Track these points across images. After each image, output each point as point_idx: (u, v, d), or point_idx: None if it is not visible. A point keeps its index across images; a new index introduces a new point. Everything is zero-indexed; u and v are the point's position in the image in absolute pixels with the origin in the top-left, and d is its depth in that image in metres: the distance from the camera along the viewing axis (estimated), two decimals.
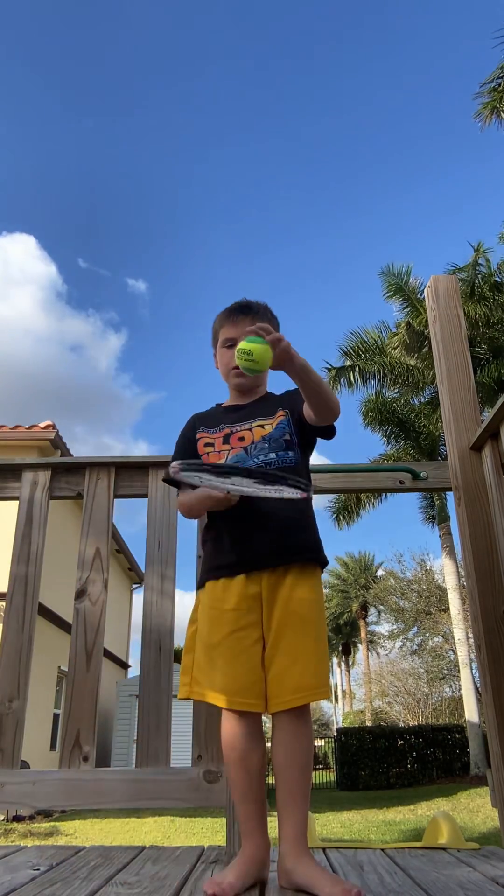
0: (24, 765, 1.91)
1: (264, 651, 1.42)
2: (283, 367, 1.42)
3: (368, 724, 24.58)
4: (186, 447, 1.67)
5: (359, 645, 37.71)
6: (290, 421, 1.60)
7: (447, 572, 16.07)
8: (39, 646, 2.21)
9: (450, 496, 2.43)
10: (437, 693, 22.58)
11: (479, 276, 15.41)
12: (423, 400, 16.40)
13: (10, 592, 2.04)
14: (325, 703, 49.01)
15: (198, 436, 1.65)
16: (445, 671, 21.04)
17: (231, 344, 1.64)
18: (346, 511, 17.02)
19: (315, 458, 1.81)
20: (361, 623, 35.49)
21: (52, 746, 12.62)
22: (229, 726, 1.42)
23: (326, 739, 28.53)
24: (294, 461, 1.55)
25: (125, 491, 2.17)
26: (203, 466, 1.41)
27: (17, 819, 9.27)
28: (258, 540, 1.47)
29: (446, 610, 18.21)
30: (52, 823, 8.92)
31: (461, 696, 16.56)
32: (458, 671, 16.61)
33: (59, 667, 12.58)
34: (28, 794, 1.80)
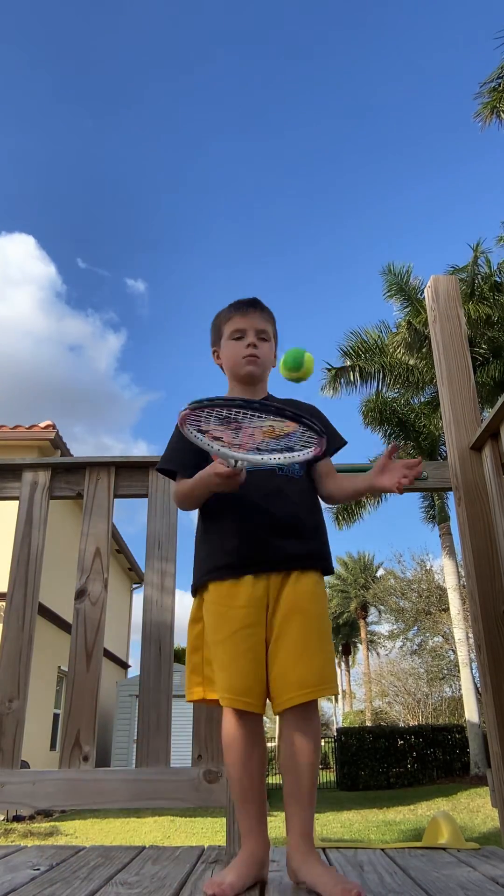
0: (24, 765, 1.91)
1: (268, 652, 1.40)
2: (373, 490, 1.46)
3: (368, 724, 24.59)
4: (186, 444, 1.61)
5: (359, 645, 37.73)
6: None
7: (447, 572, 16.07)
8: (39, 646, 2.21)
9: (450, 496, 2.43)
10: (437, 693, 22.59)
11: (479, 276, 15.41)
12: (423, 400, 16.40)
13: (10, 592, 2.04)
14: (325, 703, 49.02)
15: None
16: (445, 671, 21.04)
17: (240, 336, 1.62)
18: (347, 511, 17.01)
19: None
20: (361, 623, 35.49)
21: (52, 746, 12.62)
22: (230, 726, 1.40)
23: (326, 739, 28.52)
24: (298, 474, 1.54)
25: (125, 491, 2.17)
26: (228, 401, 1.29)
27: (17, 819, 9.27)
28: (268, 544, 1.44)
29: (446, 610, 18.21)
30: (52, 823, 8.92)
31: (461, 696, 16.57)
32: (458, 671, 16.61)
33: (59, 667, 12.58)
34: (28, 794, 1.80)
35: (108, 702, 14.96)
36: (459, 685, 17.16)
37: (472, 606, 1.97)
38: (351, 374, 16.18)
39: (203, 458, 1.49)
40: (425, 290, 2.46)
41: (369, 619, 35.17)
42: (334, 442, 1.65)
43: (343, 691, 40.34)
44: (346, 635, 38.06)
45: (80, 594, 2.02)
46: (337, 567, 36.66)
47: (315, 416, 1.61)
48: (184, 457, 1.56)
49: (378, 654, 30.80)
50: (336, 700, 40.84)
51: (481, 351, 14.98)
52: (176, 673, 2.05)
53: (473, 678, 15.00)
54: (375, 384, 16.29)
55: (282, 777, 1.40)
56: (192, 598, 1.56)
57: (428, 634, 21.65)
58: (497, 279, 15.53)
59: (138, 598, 19.05)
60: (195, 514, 1.61)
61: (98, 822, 9.08)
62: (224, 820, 1.74)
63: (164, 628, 1.98)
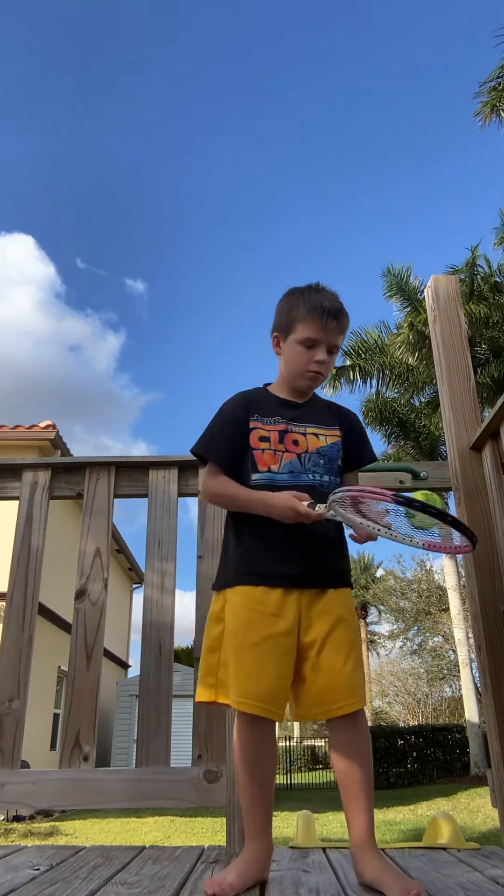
0: (24, 765, 1.91)
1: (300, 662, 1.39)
2: None
3: (368, 724, 24.55)
4: (232, 433, 1.51)
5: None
6: (341, 446, 1.54)
7: (447, 572, 16.08)
8: (39, 646, 2.21)
9: (450, 496, 2.43)
10: (437, 693, 22.60)
11: (479, 276, 15.42)
12: (423, 400, 16.41)
13: (10, 592, 2.04)
14: None
15: (252, 424, 1.50)
16: (445, 671, 21.05)
17: (311, 345, 1.50)
18: None
19: None
20: (361, 623, 35.50)
21: (52, 746, 12.62)
22: (247, 732, 1.38)
23: (326, 739, 28.50)
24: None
25: (125, 491, 2.17)
26: (434, 512, 1.21)
27: (17, 819, 9.27)
28: (311, 559, 1.43)
29: (446, 610, 18.22)
30: (52, 823, 8.92)
31: (461, 696, 16.57)
32: (458, 671, 16.61)
33: (59, 667, 12.58)
34: (28, 794, 1.80)
35: (108, 702, 14.96)
36: (459, 685, 17.17)
37: (472, 606, 1.97)
38: (351, 373, 16.19)
39: (240, 448, 1.48)
40: (425, 290, 2.46)
41: (369, 619, 35.17)
42: (366, 455, 1.61)
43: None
44: None
45: (80, 594, 2.02)
46: None
47: (354, 424, 1.61)
48: (224, 445, 1.50)
49: (378, 654, 30.79)
50: None
51: (481, 351, 14.98)
52: (176, 673, 2.05)
53: (473, 678, 15.00)
54: (375, 384, 16.31)
55: (339, 783, 1.38)
56: (214, 595, 1.51)
57: (428, 634, 21.67)
58: (497, 279, 15.54)
59: (138, 598, 19.07)
60: (193, 511, 1.61)
61: (98, 822, 9.07)
62: (224, 820, 1.74)
63: (164, 628, 1.98)
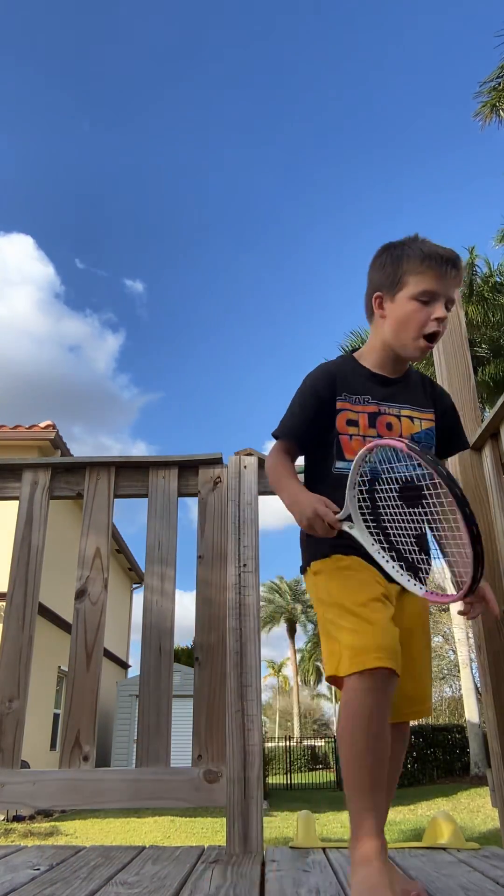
0: (24, 765, 1.90)
1: None
2: None
3: None
4: (312, 415, 1.33)
5: None
6: (434, 433, 1.37)
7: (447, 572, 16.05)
8: (39, 646, 2.21)
9: None
10: (437, 693, 22.60)
11: (479, 277, 15.42)
12: None
13: (10, 592, 2.04)
14: (325, 703, 49.10)
15: (339, 405, 1.32)
16: (445, 671, 21.05)
17: (429, 299, 1.28)
18: None
19: None
20: None
21: (52, 746, 12.62)
22: (370, 693, 1.11)
23: (326, 739, 28.51)
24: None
25: (125, 491, 2.17)
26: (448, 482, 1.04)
27: (17, 819, 9.27)
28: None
29: (446, 610, 18.21)
30: (52, 823, 8.92)
31: (461, 696, 16.57)
32: (458, 671, 16.61)
33: (59, 667, 12.58)
34: (28, 794, 1.80)
35: (108, 702, 14.96)
36: (459, 685, 17.16)
37: None
38: None
39: (322, 430, 1.32)
40: None
41: None
42: (461, 443, 1.45)
43: None
44: None
45: (80, 594, 2.02)
46: None
47: (448, 407, 1.43)
48: (299, 426, 1.35)
49: None
50: (336, 700, 40.82)
51: (481, 351, 14.98)
52: (176, 673, 2.05)
53: (473, 678, 15.00)
54: None
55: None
56: (307, 576, 1.37)
57: None
58: (498, 279, 15.54)
59: (138, 598, 19.06)
60: (193, 511, 1.56)
61: (98, 822, 9.07)
62: (224, 820, 1.74)
63: (164, 628, 1.98)
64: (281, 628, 40.69)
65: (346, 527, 1.21)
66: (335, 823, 9.06)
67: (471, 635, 13.18)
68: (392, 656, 1.12)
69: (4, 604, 2.05)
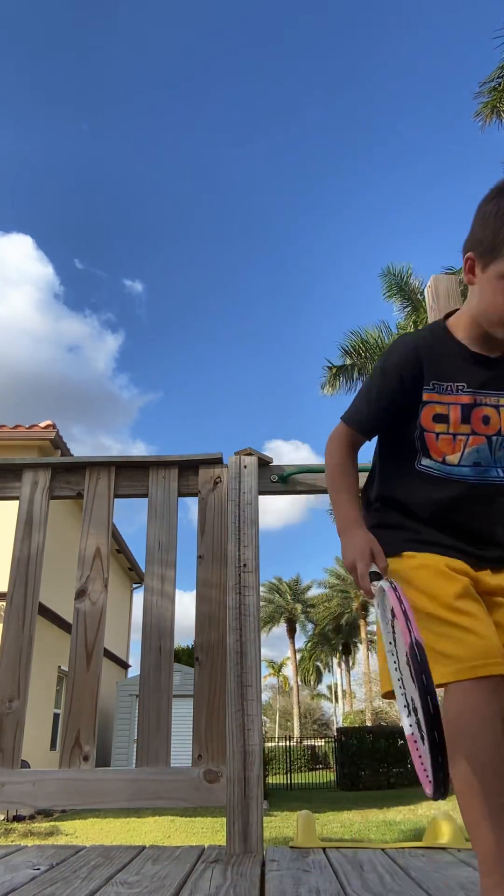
0: (25, 765, 1.91)
1: None
2: None
3: (368, 723, 24.60)
4: (389, 406, 1.14)
5: (359, 645, 37.74)
6: None
7: None
8: (39, 646, 2.21)
9: None
10: (439, 693, 22.56)
11: None
12: None
13: (10, 592, 2.04)
14: (325, 703, 49.13)
15: (426, 396, 1.11)
16: None
17: None
18: None
19: (315, 459, 1.72)
20: (362, 623, 35.50)
21: (52, 746, 12.62)
22: (479, 704, 0.95)
23: (326, 739, 28.51)
24: None
25: (125, 491, 2.17)
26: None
27: (17, 819, 9.27)
28: (489, 541, 1.13)
29: None
30: (52, 823, 8.92)
31: None
32: None
33: (59, 667, 12.58)
34: (28, 793, 1.80)
35: (108, 702, 14.96)
36: None
37: None
38: (351, 373, 16.22)
39: (402, 421, 1.14)
40: (426, 290, 2.46)
41: (370, 619, 35.18)
42: None
43: (343, 691, 40.39)
44: (346, 635, 38.09)
45: (80, 594, 2.02)
46: (337, 567, 36.67)
47: None
48: (372, 418, 1.18)
49: None
50: (336, 700, 40.88)
51: None
52: (176, 673, 2.05)
53: None
54: None
55: None
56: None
57: None
58: None
59: (138, 598, 19.07)
60: (193, 511, 1.47)
61: (98, 822, 9.07)
62: (224, 820, 1.74)
63: (165, 628, 1.98)
64: (281, 628, 40.73)
65: (375, 598, 1.05)
66: (335, 823, 9.06)
67: None
68: (501, 660, 0.96)
69: (4, 604, 2.05)
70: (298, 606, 39.69)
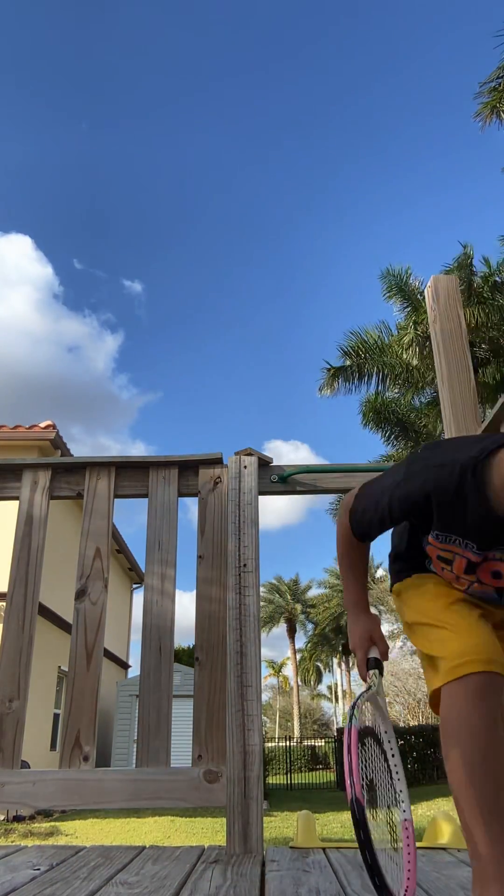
0: (25, 765, 1.91)
1: None
2: None
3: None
4: (390, 526, 1.17)
5: None
6: None
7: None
8: (39, 646, 2.21)
9: None
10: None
11: (479, 276, 15.43)
12: (423, 400, 16.42)
13: (10, 592, 2.04)
14: (325, 703, 49.12)
15: (430, 538, 1.10)
16: None
17: None
18: None
19: (314, 459, 1.74)
20: None
21: (52, 746, 12.62)
22: (462, 707, 0.95)
23: (326, 739, 28.52)
24: None
25: (125, 491, 2.17)
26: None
27: (17, 819, 9.27)
28: None
29: None
30: (52, 823, 8.92)
31: None
32: None
33: (59, 667, 12.58)
34: (28, 794, 1.80)
35: (108, 702, 14.96)
36: None
37: None
38: (351, 373, 16.20)
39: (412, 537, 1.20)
40: (426, 290, 2.47)
41: None
42: None
43: (343, 691, 40.37)
44: (346, 635, 38.03)
45: (80, 594, 2.02)
46: (337, 568, 36.61)
47: None
48: (375, 532, 1.18)
49: None
50: (336, 700, 40.86)
51: (481, 351, 14.98)
52: (176, 673, 2.05)
53: None
54: (375, 384, 16.32)
55: None
56: (394, 598, 1.30)
57: None
58: (497, 279, 15.54)
59: (138, 598, 19.06)
60: (193, 511, 1.49)
61: (98, 822, 9.07)
62: (224, 820, 1.74)
63: (165, 630, 1.98)
64: (281, 628, 40.73)
65: (367, 691, 1.19)
66: (335, 823, 9.06)
67: None
68: (490, 658, 0.96)
69: (4, 604, 2.05)
70: (298, 606, 39.70)
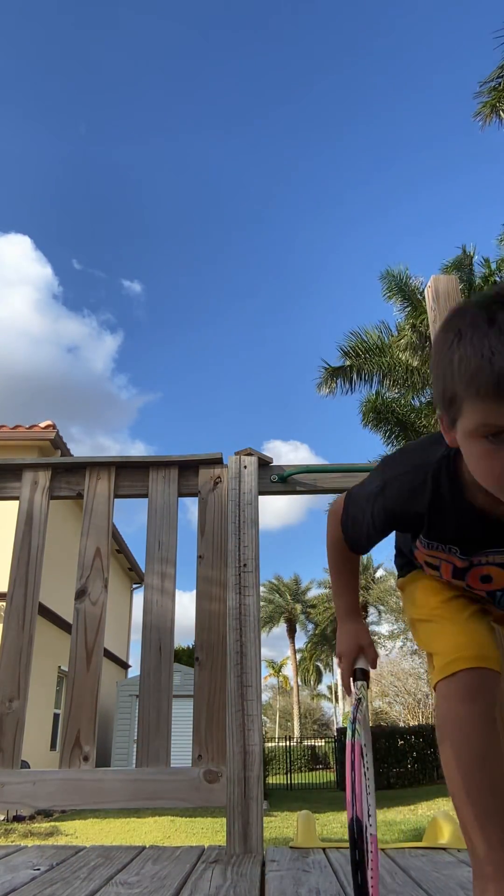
0: (25, 765, 1.91)
1: None
2: None
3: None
4: (376, 535, 1.11)
5: None
6: None
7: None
8: (39, 646, 2.21)
9: None
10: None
11: (479, 277, 15.44)
12: (423, 400, 16.42)
13: (10, 592, 2.04)
14: (325, 703, 49.12)
15: (417, 543, 1.09)
16: None
17: (497, 431, 0.79)
18: None
19: (314, 459, 1.74)
20: None
21: (52, 746, 12.62)
22: (454, 706, 0.94)
23: (326, 739, 28.53)
24: None
25: (125, 491, 2.17)
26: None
27: (17, 819, 9.27)
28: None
29: None
30: (52, 823, 8.92)
31: None
32: None
33: (59, 667, 12.58)
34: (28, 794, 1.80)
35: (108, 702, 14.96)
36: None
37: None
38: (351, 374, 16.20)
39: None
40: (425, 290, 2.46)
41: (369, 619, 35.20)
42: None
43: (343, 691, 40.35)
44: None
45: (80, 594, 2.02)
46: None
47: None
48: (362, 540, 1.14)
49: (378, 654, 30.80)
50: (336, 700, 40.85)
51: None
52: (176, 673, 2.05)
53: None
54: (375, 384, 16.33)
55: None
56: (402, 595, 1.29)
57: None
58: (497, 278, 15.54)
59: (138, 598, 19.06)
60: (193, 511, 1.50)
61: (98, 822, 9.07)
62: (224, 820, 1.74)
63: (165, 629, 1.98)
64: (281, 628, 40.72)
65: (353, 699, 1.15)
66: (335, 823, 9.06)
67: None
68: (481, 654, 0.94)
69: (4, 604, 2.05)
70: (298, 606, 39.69)
